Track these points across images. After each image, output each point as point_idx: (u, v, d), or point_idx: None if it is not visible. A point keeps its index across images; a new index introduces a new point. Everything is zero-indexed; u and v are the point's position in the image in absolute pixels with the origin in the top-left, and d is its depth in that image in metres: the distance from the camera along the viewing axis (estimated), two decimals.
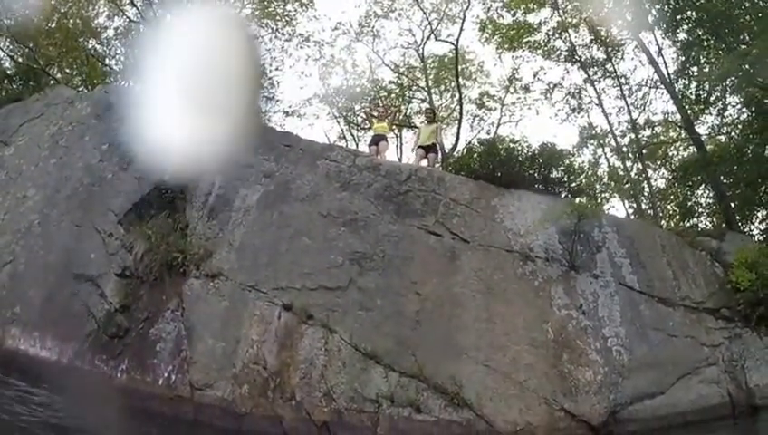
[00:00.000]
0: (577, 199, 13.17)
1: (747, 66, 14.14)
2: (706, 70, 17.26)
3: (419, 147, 14.90)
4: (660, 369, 10.29)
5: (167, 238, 11.18)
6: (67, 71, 22.34)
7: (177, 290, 10.66)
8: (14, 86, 18.80)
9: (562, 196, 13.33)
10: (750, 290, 11.46)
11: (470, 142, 22.71)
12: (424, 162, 14.36)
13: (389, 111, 17.91)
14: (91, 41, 22.47)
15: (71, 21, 21.36)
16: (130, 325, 10.45)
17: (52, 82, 19.44)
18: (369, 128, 17.29)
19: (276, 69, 26.14)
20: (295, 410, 9.29)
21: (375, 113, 17.01)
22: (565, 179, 13.68)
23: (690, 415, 9.93)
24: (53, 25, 20.76)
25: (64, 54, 21.18)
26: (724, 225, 17.03)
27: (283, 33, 25.43)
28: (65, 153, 13.18)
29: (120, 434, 9.07)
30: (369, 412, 9.17)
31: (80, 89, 19.85)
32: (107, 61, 22.41)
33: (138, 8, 22.18)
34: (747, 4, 16.33)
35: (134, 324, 10.46)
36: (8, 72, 20.02)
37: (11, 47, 20.64)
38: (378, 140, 15.01)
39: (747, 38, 15.46)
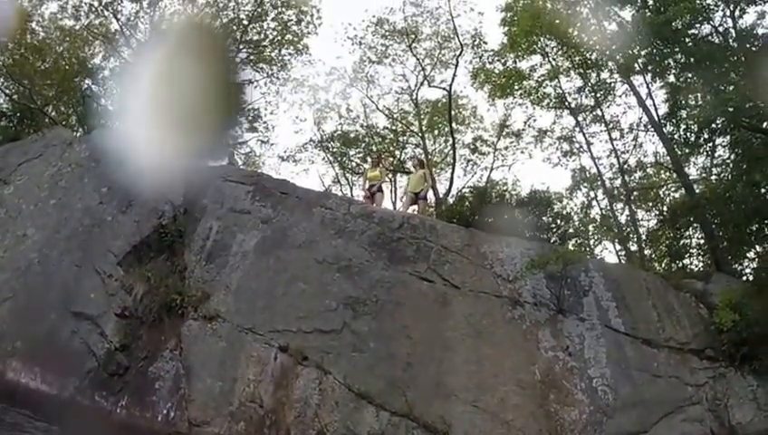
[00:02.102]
0: (568, 243, 13.93)
1: (732, 109, 14.74)
2: (695, 113, 17.81)
3: (409, 193, 15.63)
4: (644, 408, 10.93)
5: (165, 281, 11.88)
6: (63, 110, 23.07)
7: (176, 331, 11.32)
8: (10, 124, 19.45)
9: (552, 241, 14.07)
10: (734, 330, 11.99)
11: (462, 189, 23.47)
12: (413, 208, 15.04)
13: (382, 158, 18.58)
14: (86, 81, 23.10)
15: (66, 61, 22.10)
16: (130, 364, 11.08)
17: (47, 120, 20.09)
18: (362, 174, 17.93)
19: (271, 113, 26.86)
20: None
21: (369, 159, 17.56)
22: (554, 225, 14.46)
23: None
24: (49, 66, 21.56)
25: (61, 95, 21.91)
26: (714, 266, 17.65)
27: (278, 78, 26.25)
28: (65, 194, 13.79)
29: None
30: None
31: (75, 128, 20.56)
32: (102, 101, 22.93)
33: (133, 49, 22.88)
34: (735, 45, 17.02)
35: (134, 363, 11.09)
36: (3, 108, 20.67)
37: (5, 84, 21.28)
38: (373, 191, 15.64)
39: (735, 77, 16.03)
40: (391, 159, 22.93)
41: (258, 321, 11.28)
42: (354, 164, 29.00)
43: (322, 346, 10.89)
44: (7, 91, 21.11)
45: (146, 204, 12.71)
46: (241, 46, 24.64)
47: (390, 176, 25.24)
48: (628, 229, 22.74)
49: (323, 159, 30.12)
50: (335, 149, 29.42)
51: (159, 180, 11.95)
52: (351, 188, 28.93)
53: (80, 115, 21.96)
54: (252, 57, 25.50)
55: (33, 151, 15.13)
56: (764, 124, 15.98)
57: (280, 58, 25.84)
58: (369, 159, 17.87)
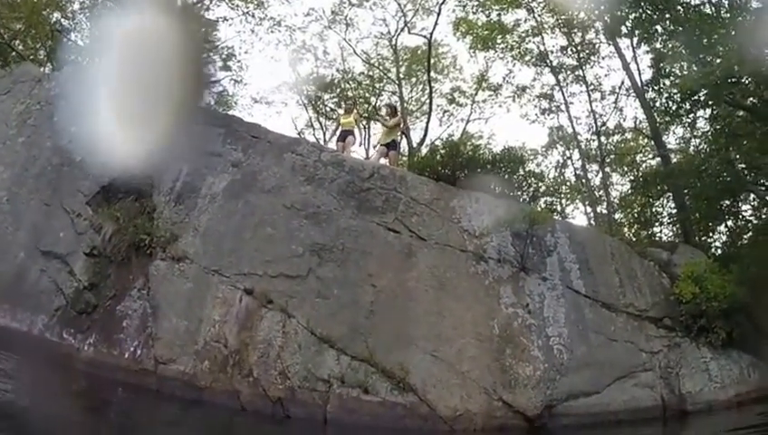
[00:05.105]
0: (538, 202, 14.76)
1: (715, 82, 15.33)
2: (678, 82, 18.47)
3: (380, 145, 16.42)
4: (598, 369, 11.80)
5: (134, 221, 12.61)
6: (31, 44, 23.25)
7: (144, 270, 12.15)
8: None
9: (521, 199, 14.85)
10: (693, 302, 12.91)
11: (435, 141, 24.17)
12: (384, 160, 15.68)
13: (356, 104, 19.27)
14: (56, 14, 23.33)
15: None
16: (98, 302, 11.99)
17: (14, 55, 20.52)
18: (335, 120, 18.59)
19: (246, 52, 27.24)
20: (252, 385, 10.81)
21: (342, 104, 18.21)
22: (525, 183, 15.28)
23: (622, 414, 11.50)
24: None
25: (29, 29, 22.11)
26: (682, 237, 18.56)
27: (253, 16, 26.52)
28: (33, 132, 14.42)
29: (86, 400, 10.57)
30: (321, 391, 10.68)
31: (44, 63, 20.98)
32: (72, 35, 23.21)
33: None
34: (727, 16, 17.60)
35: (102, 301, 11.99)
36: None
37: None
38: (345, 135, 16.34)
39: (723, 50, 16.66)
40: (366, 105, 23.53)
41: (225, 263, 12.01)
42: (328, 109, 29.75)
43: (287, 290, 11.61)
44: None
45: (115, 144, 12.86)
46: None
47: (364, 123, 26.01)
48: (600, 192, 23.72)
49: (297, 102, 31.31)
50: (310, 93, 30.29)
51: (129, 120, 12.41)
52: (324, 133, 30.03)
53: (49, 50, 22.29)
54: None
55: (1, 88, 15.63)
56: (748, 100, 16.72)
57: None
58: (342, 105, 18.52)
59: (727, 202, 19.06)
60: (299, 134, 28.37)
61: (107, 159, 12.93)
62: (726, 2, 17.82)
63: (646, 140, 25.24)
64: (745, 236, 20.67)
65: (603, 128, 24.59)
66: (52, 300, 12.17)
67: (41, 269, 12.55)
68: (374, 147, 17.68)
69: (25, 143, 14.36)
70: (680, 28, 17.39)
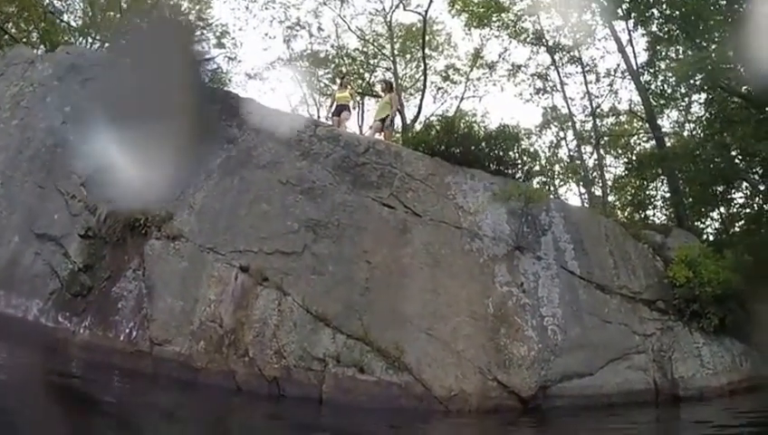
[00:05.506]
0: (533, 181, 14.76)
1: (710, 67, 15.45)
2: (673, 66, 18.55)
3: (375, 121, 16.43)
4: (592, 351, 11.85)
5: None
6: (24, 27, 23.12)
7: (139, 250, 12.10)
8: None
9: (516, 177, 14.80)
10: (687, 287, 12.97)
11: (429, 118, 24.44)
12: (379, 135, 15.71)
13: (351, 80, 19.29)
14: None
15: None
16: (93, 284, 11.94)
17: (6, 36, 20.48)
18: (330, 96, 18.67)
19: (240, 29, 27.18)
20: (248, 365, 10.79)
21: (337, 80, 18.26)
22: (519, 162, 15.28)
23: (615, 397, 11.54)
24: None
25: (21, 11, 21.98)
26: (676, 221, 18.64)
27: None
28: (27, 114, 14.36)
29: (82, 385, 10.44)
30: (317, 370, 10.65)
31: (37, 45, 20.91)
32: (65, 17, 23.16)
33: None
34: (723, 2, 17.65)
35: (97, 283, 11.94)
36: None
37: None
38: (340, 110, 16.47)
39: (719, 36, 16.70)
40: (360, 81, 23.56)
41: (220, 241, 11.97)
42: (322, 85, 30.15)
43: (283, 268, 11.57)
44: None
45: (108, 124, 12.74)
46: None
47: (358, 98, 26.04)
48: (595, 174, 23.82)
49: (291, 78, 31.53)
50: (304, 69, 30.41)
51: (123, 99, 12.39)
52: (318, 110, 30.29)
53: (42, 32, 22.24)
54: None
55: None
56: (742, 88, 16.78)
57: None
58: (337, 81, 18.59)
59: (720, 188, 19.15)
60: (293, 111, 28.43)
61: (101, 140, 12.91)
62: None
63: (640, 123, 25.35)
64: (737, 225, 20.85)
65: (598, 109, 24.75)
66: (46, 283, 12.13)
67: (35, 252, 12.52)
68: (369, 127, 17.65)
69: (19, 125, 14.31)
70: (677, 12, 17.44)
